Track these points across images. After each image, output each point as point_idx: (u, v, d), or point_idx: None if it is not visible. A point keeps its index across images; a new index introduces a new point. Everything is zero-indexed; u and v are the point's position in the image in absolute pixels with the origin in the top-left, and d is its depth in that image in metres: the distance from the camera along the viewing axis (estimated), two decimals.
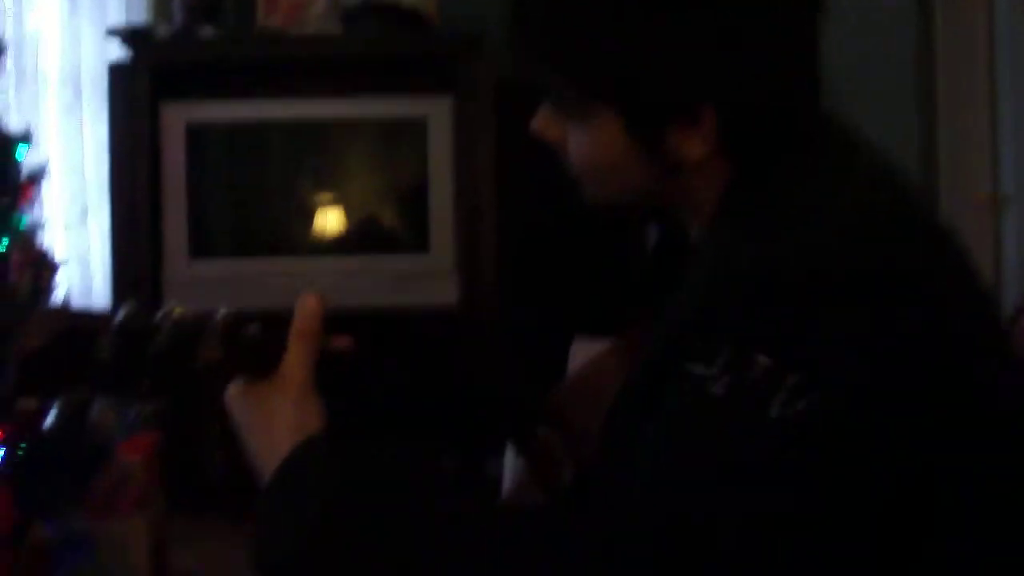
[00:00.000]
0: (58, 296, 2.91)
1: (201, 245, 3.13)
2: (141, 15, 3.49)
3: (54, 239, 3.15)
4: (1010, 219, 4.76)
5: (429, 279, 3.12)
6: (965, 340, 0.90)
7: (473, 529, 0.90)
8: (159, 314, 0.91)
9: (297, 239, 3.27)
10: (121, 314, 0.88)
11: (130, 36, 3.15)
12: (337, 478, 0.92)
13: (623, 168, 1.00)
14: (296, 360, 0.95)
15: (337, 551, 0.90)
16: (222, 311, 0.93)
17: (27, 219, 2.88)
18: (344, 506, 0.91)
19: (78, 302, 3.22)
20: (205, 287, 3.06)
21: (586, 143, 1.01)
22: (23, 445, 2.45)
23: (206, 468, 2.98)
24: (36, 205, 2.92)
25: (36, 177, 2.91)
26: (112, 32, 3.20)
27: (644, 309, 1.29)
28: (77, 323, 0.87)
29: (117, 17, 3.46)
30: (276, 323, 0.98)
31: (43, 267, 2.88)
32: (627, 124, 0.96)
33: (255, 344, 0.96)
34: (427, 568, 0.89)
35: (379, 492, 0.92)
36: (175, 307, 0.91)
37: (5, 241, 2.78)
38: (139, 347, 0.89)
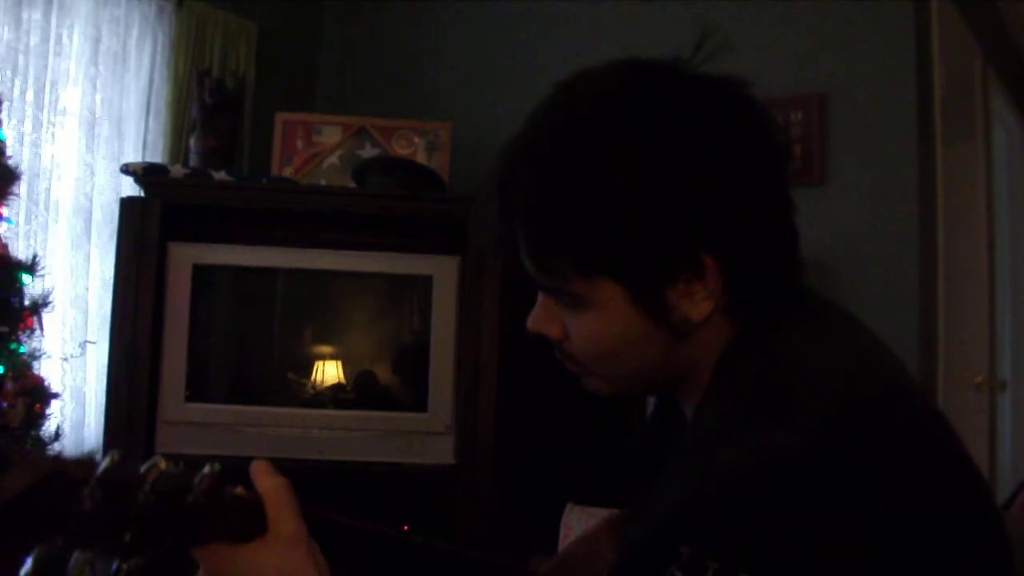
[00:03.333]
0: (50, 427, 2.88)
1: (198, 388, 3.09)
2: (157, 157, 3.55)
3: (51, 370, 3.12)
4: (1006, 403, 4.77)
5: (426, 438, 3.08)
6: (954, 546, 0.88)
7: None
8: (144, 465, 0.89)
9: (295, 389, 3.24)
10: (104, 463, 0.86)
11: (144, 173, 3.17)
12: None
13: (634, 343, 1.01)
14: (289, 514, 0.95)
15: None
16: (207, 466, 0.92)
17: (25, 348, 2.87)
18: None
19: (70, 436, 3.19)
20: (199, 430, 3.02)
21: (592, 326, 1.02)
22: None
23: None
24: (36, 334, 2.91)
25: (38, 306, 2.91)
26: (126, 169, 3.23)
27: (637, 481, 1.28)
28: (59, 470, 0.85)
29: (133, 155, 3.51)
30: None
31: (38, 397, 2.85)
32: (630, 294, 0.98)
33: (240, 501, 0.95)
34: None
35: None
36: (160, 459, 0.90)
37: (1, 368, 2.76)
38: (122, 499, 0.86)
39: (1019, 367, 5.00)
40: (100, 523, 0.85)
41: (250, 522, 0.95)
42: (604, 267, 0.97)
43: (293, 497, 0.96)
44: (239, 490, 0.95)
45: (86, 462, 0.86)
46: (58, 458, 0.87)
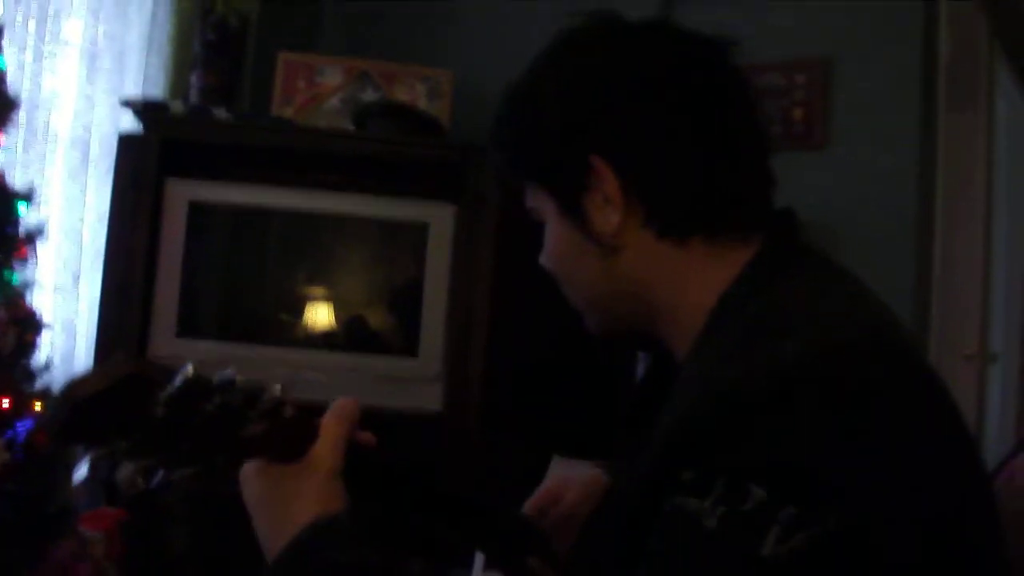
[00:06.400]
0: (40, 358, 2.88)
1: (189, 324, 3.10)
2: (157, 92, 3.53)
3: (43, 301, 3.12)
4: (996, 376, 4.79)
5: (415, 384, 3.09)
6: (950, 461, 0.91)
7: None
8: (218, 376, 0.90)
9: (286, 330, 3.24)
10: (184, 372, 0.87)
11: (144, 108, 3.16)
12: (351, 558, 0.96)
13: (573, 258, 1.10)
14: (331, 448, 1.01)
15: None
16: (275, 387, 0.94)
17: (18, 277, 2.86)
18: None
19: (60, 367, 3.19)
20: (195, 362, 3.02)
21: (548, 244, 1.13)
22: None
23: (169, 545, 2.93)
24: (30, 264, 2.90)
25: (33, 236, 2.90)
26: (126, 103, 3.22)
27: (628, 434, 1.29)
28: (139, 374, 0.86)
29: (134, 89, 3.49)
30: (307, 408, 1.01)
31: (28, 327, 2.85)
32: (555, 200, 1.09)
33: (295, 426, 0.97)
34: None
35: None
36: (235, 372, 0.91)
37: None
38: (192, 409, 0.88)
39: (1011, 340, 5.01)
40: (166, 431, 0.86)
41: (298, 445, 1.00)
42: (529, 171, 1.12)
43: (349, 436, 1.04)
44: (290, 411, 0.98)
45: (166, 369, 0.87)
46: (140, 361, 0.88)
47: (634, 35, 1.11)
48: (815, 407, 0.84)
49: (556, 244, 1.11)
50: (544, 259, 1.15)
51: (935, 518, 0.86)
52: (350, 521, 0.99)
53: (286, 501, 0.99)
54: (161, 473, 0.91)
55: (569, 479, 1.38)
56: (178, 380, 0.87)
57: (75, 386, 0.85)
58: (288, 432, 0.98)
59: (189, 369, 0.88)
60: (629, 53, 1.09)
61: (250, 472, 1.01)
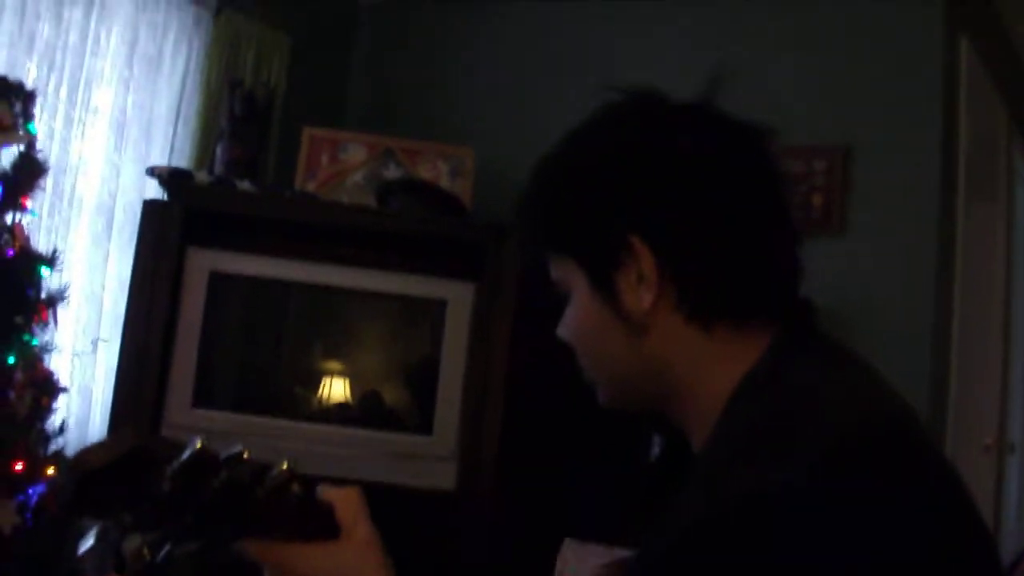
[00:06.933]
0: (55, 422, 2.89)
1: (205, 394, 3.10)
2: (183, 162, 3.57)
3: (61, 364, 3.14)
4: (1015, 466, 4.74)
5: (429, 462, 3.08)
6: (966, 560, 0.90)
7: None
8: (227, 453, 0.90)
9: (301, 403, 3.25)
10: (192, 448, 0.87)
11: (169, 177, 3.20)
12: None
13: (599, 332, 1.09)
14: (361, 517, 1.01)
15: None
16: (285, 463, 0.94)
17: (38, 340, 2.88)
18: None
19: (74, 432, 3.20)
20: (203, 436, 3.02)
21: (572, 315, 1.12)
22: None
23: None
24: (49, 328, 2.92)
25: (54, 300, 2.92)
26: (152, 171, 3.25)
27: (640, 518, 1.29)
28: (146, 448, 0.86)
29: (160, 159, 3.54)
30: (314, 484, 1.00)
31: (45, 390, 2.87)
32: (586, 273, 1.08)
33: (302, 503, 0.97)
34: None
35: None
36: (244, 449, 0.91)
37: (12, 358, 2.78)
38: (198, 485, 0.88)
39: None
40: (172, 505, 0.86)
41: (317, 523, 0.99)
42: (561, 244, 1.11)
43: (364, 503, 1.02)
44: (300, 489, 0.97)
45: (174, 443, 0.87)
46: (148, 435, 0.88)
47: (677, 115, 1.10)
48: (821, 526, 0.84)
49: (582, 318, 1.10)
50: (563, 330, 1.14)
51: None
52: None
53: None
54: (168, 547, 0.91)
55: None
56: (185, 454, 0.87)
57: (82, 458, 0.86)
58: (295, 509, 0.98)
59: (197, 443, 0.88)
60: (673, 133, 1.08)
61: (282, 555, 1.00)
